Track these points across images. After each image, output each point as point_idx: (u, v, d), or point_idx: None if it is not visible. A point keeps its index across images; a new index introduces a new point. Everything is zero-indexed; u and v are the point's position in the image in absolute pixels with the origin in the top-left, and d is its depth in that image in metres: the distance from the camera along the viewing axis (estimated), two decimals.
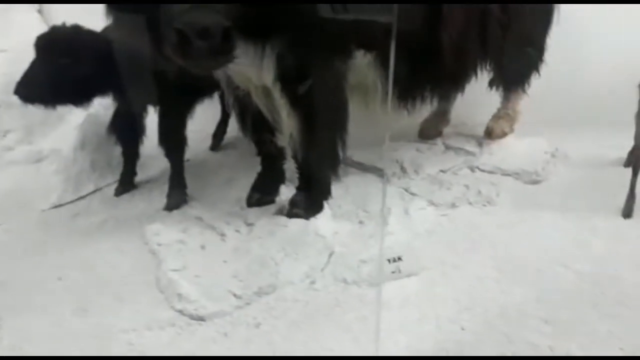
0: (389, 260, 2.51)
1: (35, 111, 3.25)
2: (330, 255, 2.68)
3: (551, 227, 2.81)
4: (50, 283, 2.74)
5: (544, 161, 3.40)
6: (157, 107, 3.28)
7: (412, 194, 3.21)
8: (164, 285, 2.57)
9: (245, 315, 2.37)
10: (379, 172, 3.49)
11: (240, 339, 2.26)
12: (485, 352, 2.08)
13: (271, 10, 2.25)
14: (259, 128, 3.01)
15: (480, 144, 3.68)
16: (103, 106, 3.67)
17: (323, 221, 2.86)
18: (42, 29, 3.33)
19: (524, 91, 3.62)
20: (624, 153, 3.21)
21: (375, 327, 2.03)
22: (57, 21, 3.09)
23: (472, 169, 3.45)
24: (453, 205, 3.08)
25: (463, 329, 2.19)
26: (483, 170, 3.43)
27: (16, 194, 3.59)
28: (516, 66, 3.41)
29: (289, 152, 2.97)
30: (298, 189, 2.98)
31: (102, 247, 3.00)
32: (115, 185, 3.64)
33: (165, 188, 3.40)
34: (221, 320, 2.36)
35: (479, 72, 3.40)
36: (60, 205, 3.52)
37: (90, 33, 2.91)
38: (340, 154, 2.86)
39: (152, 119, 3.47)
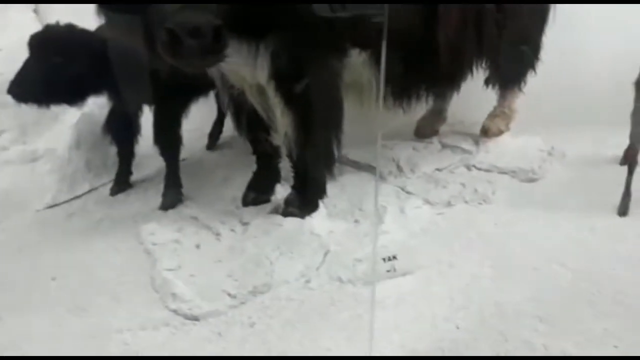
0: (384, 259, 2.50)
1: (30, 110, 3.24)
2: (326, 254, 2.67)
3: (547, 225, 2.80)
4: (45, 283, 2.74)
5: (540, 159, 3.39)
6: (152, 106, 3.26)
7: (408, 192, 3.20)
8: (159, 285, 2.57)
9: (240, 315, 2.36)
10: (374, 170, 3.47)
11: (234, 339, 2.25)
12: (481, 350, 2.06)
13: (265, 9, 2.24)
14: (254, 127, 3.01)
15: (476, 143, 3.67)
16: (98, 105, 3.67)
17: (318, 220, 2.85)
18: (38, 28, 3.31)
19: (520, 89, 3.61)
20: (620, 151, 3.20)
21: (369, 326, 2.02)
22: (53, 21, 3.08)
23: (468, 168, 3.44)
24: (449, 204, 3.07)
25: (458, 328, 2.18)
26: (479, 169, 3.42)
27: (11, 194, 3.58)
28: (512, 64, 3.40)
29: (284, 151, 2.96)
30: (293, 187, 2.97)
31: (97, 247, 3.00)
32: (110, 185, 3.64)
33: (161, 187, 3.40)
34: (216, 320, 2.35)
35: (475, 70, 3.40)
36: (55, 205, 3.52)
37: (84, 32, 2.91)
38: (336, 152, 2.86)
39: (147, 118, 3.47)
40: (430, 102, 3.48)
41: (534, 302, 2.27)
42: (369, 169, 3.49)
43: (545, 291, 2.34)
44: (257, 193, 3.17)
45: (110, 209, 3.43)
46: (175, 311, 2.42)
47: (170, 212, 3.25)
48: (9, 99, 3.00)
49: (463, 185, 3.20)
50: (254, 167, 3.24)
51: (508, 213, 2.94)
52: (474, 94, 3.68)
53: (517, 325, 2.16)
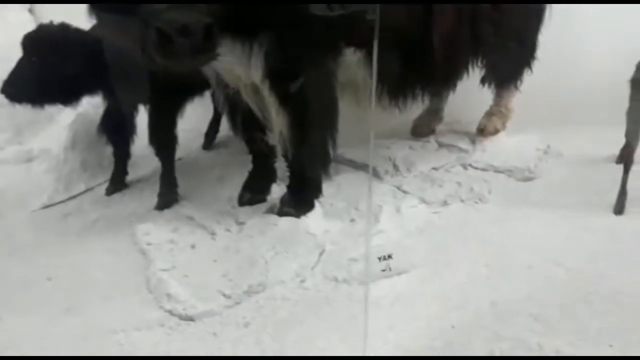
0: (379, 259, 2.50)
1: (25, 110, 3.23)
2: (321, 253, 2.67)
3: (543, 224, 2.80)
4: (40, 283, 2.73)
5: (537, 158, 3.40)
6: (147, 106, 3.26)
7: (404, 191, 3.20)
8: (154, 285, 2.56)
9: (235, 315, 2.35)
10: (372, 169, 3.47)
11: (229, 339, 2.24)
12: (475, 350, 2.06)
13: (258, 8, 2.23)
14: (249, 126, 3.00)
15: (473, 142, 3.67)
16: (93, 105, 3.66)
17: (314, 219, 2.84)
18: (33, 28, 3.30)
19: (516, 88, 3.61)
20: (616, 150, 3.21)
21: (363, 326, 2.01)
22: (49, 20, 3.07)
23: (464, 167, 3.45)
24: (445, 203, 3.07)
25: (453, 327, 2.17)
26: (475, 168, 3.42)
27: (6, 194, 3.57)
28: (508, 63, 3.40)
29: (279, 151, 2.95)
30: (289, 187, 2.97)
31: (92, 247, 2.99)
32: (106, 185, 3.63)
33: (157, 187, 3.39)
34: (210, 320, 2.34)
35: (471, 69, 3.39)
36: (51, 205, 3.51)
37: (77, 31, 2.89)
38: (331, 152, 2.85)
39: (143, 117, 3.46)
40: (427, 101, 3.47)
41: (529, 301, 2.27)
42: (366, 168, 3.48)
43: (540, 290, 2.33)
44: (253, 193, 3.17)
45: (105, 209, 3.42)
46: (170, 311, 2.41)
47: (166, 212, 3.24)
48: (3, 98, 2.99)
49: (459, 184, 3.20)
50: (250, 166, 3.24)
51: (504, 212, 2.93)
52: (471, 93, 3.68)
53: (512, 324, 2.15)
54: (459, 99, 3.79)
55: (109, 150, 3.65)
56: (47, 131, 3.91)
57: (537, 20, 3.38)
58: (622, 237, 2.63)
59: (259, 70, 2.49)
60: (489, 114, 3.70)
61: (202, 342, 2.24)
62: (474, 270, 2.50)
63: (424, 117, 3.88)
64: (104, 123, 3.49)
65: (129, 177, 3.70)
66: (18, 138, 3.88)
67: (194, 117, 3.74)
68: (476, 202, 3.06)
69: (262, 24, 2.33)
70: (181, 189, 3.43)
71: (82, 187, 3.65)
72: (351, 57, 2.71)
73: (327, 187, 3.10)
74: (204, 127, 4.17)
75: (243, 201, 3.14)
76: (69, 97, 3.10)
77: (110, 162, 3.68)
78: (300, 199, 2.89)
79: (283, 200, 2.93)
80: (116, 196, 3.58)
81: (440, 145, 3.73)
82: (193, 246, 2.82)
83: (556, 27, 3.48)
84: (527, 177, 3.27)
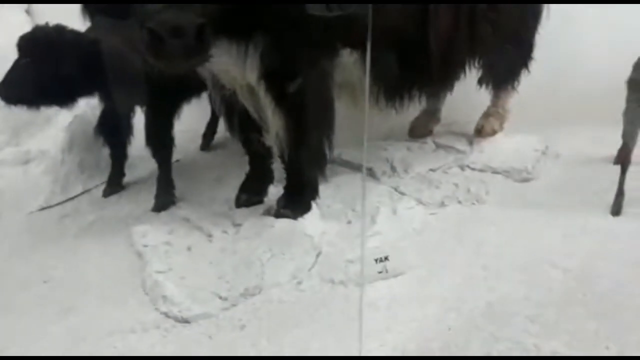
0: (376, 260, 2.49)
1: (22, 112, 3.22)
2: (318, 255, 2.66)
3: (540, 225, 2.79)
4: (36, 285, 2.73)
5: (534, 159, 3.39)
6: (144, 108, 3.25)
7: (401, 193, 3.19)
8: (150, 287, 2.55)
9: (231, 317, 2.35)
10: (369, 171, 3.47)
11: (225, 341, 2.23)
12: (471, 351, 2.05)
13: (253, 9, 2.22)
14: (246, 127, 3.00)
15: (470, 143, 3.67)
16: (91, 107, 3.66)
17: (311, 221, 2.83)
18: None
19: (513, 88, 3.61)
20: (614, 150, 3.20)
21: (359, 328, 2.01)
22: (46, 21, 3.06)
23: (462, 168, 3.44)
24: (442, 204, 3.07)
25: (450, 329, 2.17)
26: (473, 169, 3.42)
27: (3, 196, 3.56)
28: (505, 64, 3.39)
29: (275, 152, 2.94)
30: (285, 189, 2.96)
31: (89, 249, 2.99)
32: (103, 187, 3.62)
33: (154, 189, 3.38)
34: (206, 322, 2.33)
35: (468, 70, 3.39)
36: (48, 207, 3.50)
37: (73, 33, 2.88)
38: (327, 153, 2.84)
39: (140, 119, 3.45)
40: (424, 102, 3.47)
41: (526, 302, 2.26)
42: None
43: (537, 291, 2.32)
44: (250, 194, 3.16)
45: (102, 211, 3.42)
46: (165, 314, 2.40)
47: (163, 213, 3.24)
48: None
49: (456, 185, 3.20)
50: (248, 168, 3.23)
51: (501, 213, 2.93)
52: (468, 94, 3.67)
53: (508, 325, 2.15)
54: (456, 100, 3.79)
55: (106, 151, 3.65)
56: (44, 133, 3.90)
57: (534, 21, 3.37)
58: (619, 238, 2.62)
59: (255, 71, 2.48)
60: (487, 115, 3.70)
61: (197, 344, 2.24)
62: (470, 271, 2.50)
63: (422, 118, 3.88)
64: (100, 125, 3.49)
65: (126, 179, 3.70)
66: (15, 140, 3.87)
67: (191, 119, 3.74)
68: (473, 204, 3.05)
69: (258, 25, 2.32)
70: (178, 190, 3.42)
71: (79, 189, 3.65)
72: (347, 58, 2.71)
73: (324, 188, 3.09)
74: (201, 128, 4.17)
75: (240, 203, 3.14)
76: (64, 98, 3.09)
77: (107, 164, 3.68)
78: (297, 201, 2.88)
79: (280, 201, 2.92)
80: (113, 198, 3.58)
81: (438, 146, 3.72)
82: (189, 248, 2.82)
83: (553, 27, 3.48)
84: (525, 178, 3.26)
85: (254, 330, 2.27)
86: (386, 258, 2.50)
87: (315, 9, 2.23)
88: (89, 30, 2.84)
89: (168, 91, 3.06)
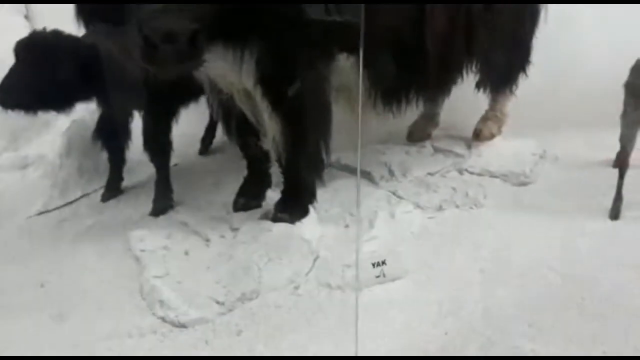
0: (373, 265, 2.49)
1: (20, 117, 3.21)
2: (315, 259, 2.66)
3: (538, 229, 2.80)
4: (33, 289, 2.71)
5: (533, 163, 3.40)
6: (142, 112, 3.25)
7: (399, 197, 3.19)
8: (147, 292, 2.54)
9: (228, 322, 2.34)
10: (368, 175, 3.47)
11: (221, 346, 2.22)
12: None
13: (249, 14, 2.22)
14: (243, 132, 2.99)
15: (468, 146, 3.67)
16: (89, 111, 3.66)
17: (308, 225, 2.82)
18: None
19: (511, 92, 3.61)
20: (612, 154, 3.20)
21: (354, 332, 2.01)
22: (47, 26, 3.06)
23: (460, 172, 3.45)
24: (440, 208, 3.07)
25: (446, 334, 2.16)
26: (471, 173, 3.42)
27: (1, 201, 3.56)
28: (503, 67, 3.39)
29: (273, 156, 2.94)
30: (283, 193, 2.95)
31: (86, 253, 2.97)
32: (102, 191, 3.62)
33: (152, 193, 3.38)
34: (203, 327, 2.32)
35: (466, 74, 3.39)
36: (47, 212, 3.49)
37: (70, 38, 2.88)
38: (325, 157, 2.83)
39: (138, 123, 3.45)
40: (422, 106, 3.47)
41: (522, 306, 2.26)
42: (362, 173, 3.48)
43: (534, 295, 2.33)
44: (248, 198, 3.15)
45: (101, 215, 3.41)
46: (162, 318, 2.39)
47: (161, 218, 3.23)
48: None
49: (454, 189, 3.20)
50: (245, 172, 3.23)
51: (499, 217, 2.93)
52: (467, 98, 3.67)
53: (505, 330, 2.15)
54: (454, 104, 3.79)
55: (104, 156, 3.64)
56: (42, 138, 3.89)
57: (531, 25, 3.37)
58: (617, 242, 2.63)
59: (251, 76, 2.48)
60: (485, 119, 3.70)
61: (194, 349, 2.23)
62: (468, 275, 2.50)
63: (420, 122, 3.88)
64: (98, 129, 3.48)
65: (125, 183, 3.69)
66: (13, 144, 3.86)
67: (190, 123, 3.73)
68: (471, 208, 3.05)
69: (253, 30, 2.32)
70: (177, 194, 3.41)
71: (77, 194, 3.64)
72: (344, 62, 2.71)
73: (322, 192, 3.09)
74: (199, 132, 4.17)
75: (238, 207, 3.13)
76: (62, 103, 3.08)
77: (106, 168, 3.67)
78: (295, 205, 2.87)
79: (277, 206, 2.92)
80: (111, 202, 3.57)
81: (436, 150, 3.72)
82: (187, 252, 2.81)
83: (552, 29, 3.48)
84: (523, 182, 3.27)
85: (250, 335, 2.26)
86: (383, 262, 2.50)
87: (314, 13, 2.23)
88: (86, 35, 2.84)
89: (166, 96, 3.05)
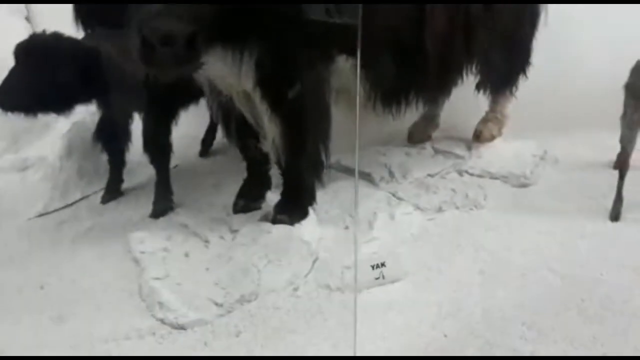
0: (372, 267, 2.49)
1: (20, 119, 3.22)
2: (314, 261, 2.65)
3: (538, 230, 2.79)
4: (32, 291, 2.71)
5: (533, 164, 3.39)
6: (142, 114, 3.25)
7: (399, 198, 3.19)
8: (146, 294, 2.54)
9: (227, 324, 2.34)
10: (367, 177, 3.47)
11: (220, 348, 2.22)
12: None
13: (248, 16, 2.22)
14: (243, 133, 2.99)
15: (469, 148, 3.67)
16: (89, 113, 3.66)
17: (308, 227, 2.82)
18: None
19: (511, 94, 3.60)
20: (613, 155, 3.20)
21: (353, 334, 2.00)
22: (48, 29, 3.06)
23: (460, 173, 3.44)
24: (440, 210, 3.06)
25: (445, 336, 2.16)
26: (471, 174, 3.42)
27: (1, 202, 3.56)
28: (503, 69, 3.39)
29: (272, 158, 2.93)
30: (282, 194, 2.95)
31: (86, 255, 2.97)
32: (102, 193, 3.62)
33: (152, 195, 3.38)
34: (202, 329, 2.32)
35: (466, 75, 3.38)
36: (47, 214, 3.49)
37: (70, 40, 2.88)
38: (324, 159, 2.83)
39: (139, 125, 3.45)
40: (422, 107, 3.46)
41: (522, 308, 2.26)
42: (362, 175, 3.48)
43: (534, 297, 2.33)
44: (248, 200, 3.15)
45: (100, 217, 3.41)
46: (161, 320, 2.39)
47: (161, 219, 3.23)
48: None
49: (454, 190, 3.20)
50: (245, 174, 3.23)
51: (499, 219, 2.93)
52: (467, 99, 3.67)
53: (505, 332, 2.15)
54: (455, 105, 3.78)
55: (104, 158, 3.64)
56: (42, 140, 3.90)
57: (531, 26, 3.37)
58: (617, 244, 2.63)
59: (250, 78, 2.48)
60: (485, 120, 3.70)
61: (193, 351, 2.23)
62: (467, 277, 2.49)
63: (420, 124, 3.88)
64: (98, 131, 3.48)
65: (125, 185, 3.69)
66: (13, 146, 3.87)
67: (190, 125, 3.74)
68: (471, 209, 3.05)
69: (252, 32, 2.32)
70: (177, 196, 3.41)
71: (77, 195, 3.64)
72: (344, 63, 2.70)
73: (322, 194, 3.09)
74: (200, 134, 4.17)
75: (237, 208, 3.13)
76: (62, 105, 3.07)
77: (106, 170, 3.67)
78: (294, 207, 2.87)
79: (277, 207, 2.91)
80: (112, 204, 3.57)
81: (436, 151, 3.72)
82: (186, 254, 2.80)
83: (552, 30, 3.48)
84: (523, 183, 3.26)
85: (249, 336, 2.26)
86: (383, 264, 2.49)
87: (313, 14, 2.23)
88: (86, 37, 2.84)
89: (165, 98, 3.05)
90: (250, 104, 2.74)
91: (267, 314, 2.37)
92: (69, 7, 2.42)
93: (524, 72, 3.50)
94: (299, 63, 2.50)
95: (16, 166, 3.77)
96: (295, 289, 2.51)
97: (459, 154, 3.61)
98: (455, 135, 3.87)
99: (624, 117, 2.80)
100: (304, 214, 2.86)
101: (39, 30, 3.08)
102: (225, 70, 2.45)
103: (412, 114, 3.46)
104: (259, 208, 3.14)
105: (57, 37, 2.91)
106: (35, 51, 2.86)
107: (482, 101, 3.68)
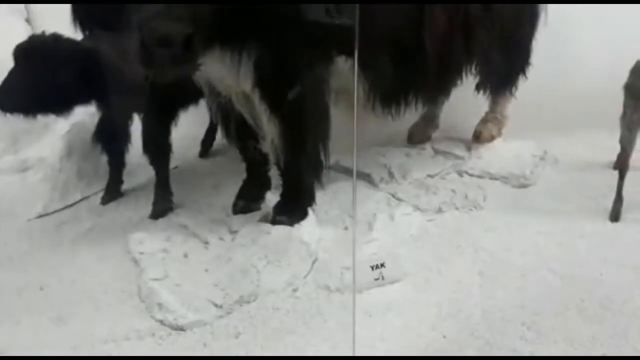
0: (372, 267, 2.48)
1: (20, 120, 3.22)
2: (314, 262, 2.65)
3: (538, 231, 2.80)
4: (32, 292, 2.71)
5: (533, 165, 3.40)
6: (141, 115, 3.26)
7: (399, 199, 3.19)
8: (145, 295, 2.53)
9: (226, 325, 2.33)
10: (367, 177, 3.47)
11: (219, 349, 2.22)
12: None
13: (246, 16, 2.22)
14: (242, 134, 2.99)
15: (468, 148, 3.66)
16: (89, 114, 3.66)
17: (307, 228, 2.81)
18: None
19: (511, 94, 3.60)
20: (613, 155, 3.19)
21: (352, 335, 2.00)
22: (47, 30, 3.06)
23: (460, 174, 3.44)
24: (439, 210, 3.06)
25: (445, 337, 2.16)
26: (471, 175, 3.42)
27: (1, 203, 3.56)
28: (502, 69, 3.39)
29: (271, 159, 2.93)
30: (282, 195, 2.95)
31: (85, 256, 2.97)
32: (102, 194, 3.62)
33: (152, 196, 3.38)
34: (201, 330, 2.32)
35: (465, 76, 3.38)
36: (46, 215, 3.49)
37: (69, 41, 2.88)
38: (324, 160, 2.83)
39: (138, 126, 3.45)
40: (422, 108, 3.46)
41: (522, 309, 2.26)
42: (362, 175, 3.48)
43: (534, 297, 2.33)
44: (247, 201, 3.15)
45: (100, 218, 3.40)
46: (161, 321, 2.38)
47: (160, 220, 3.22)
48: None
49: (454, 191, 3.20)
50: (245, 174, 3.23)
51: (498, 219, 2.93)
52: (467, 100, 3.67)
53: (504, 333, 2.15)
54: (454, 106, 3.78)
55: (104, 159, 3.64)
56: (42, 141, 3.89)
57: (531, 26, 3.37)
58: (617, 244, 2.63)
59: (249, 79, 2.48)
60: (485, 121, 3.70)
61: (192, 352, 2.23)
62: (467, 278, 2.49)
63: (420, 124, 3.88)
64: (98, 132, 3.48)
65: (125, 186, 3.69)
66: (13, 148, 3.87)
67: (190, 126, 3.73)
68: (471, 210, 3.05)
69: (250, 32, 2.32)
70: (176, 197, 3.41)
71: (77, 196, 3.63)
72: (343, 64, 2.70)
73: (322, 195, 3.09)
74: (200, 135, 4.17)
75: (237, 209, 3.13)
76: (61, 107, 3.07)
77: (105, 171, 3.67)
78: (293, 207, 2.87)
79: (276, 208, 2.91)
80: (111, 205, 3.56)
81: (436, 152, 3.72)
82: (186, 255, 2.80)
83: (551, 32, 3.48)
84: (523, 184, 3.26)
85: (248, 337, 2.26)
86: (382, 265, 2.49)
87: (312, 15, 2.23)
88: (85, 38, 2.84)
89: (165, 98, 3.05)
90: (249, 104, 2.74)
91: (266, 315, 2.37)
92: (68, 8, 2.43)
93: (524, 72, 3.50)
94: (298, 64, 2.50)
95: (16, 167, 3.76)
96: (295, 290, 2.51)
97: (458, 154, 3.61)
98: (455, 135, 3.87)
99: (624, 117, 2.80)
100: (303, 215, 2.85)
101: (38, 31, 3.08)
102: (224, 71, 2.45)
103: (411, 115, 3.46)
104: (259, 209, 3.14)
105: (56, 38, 2.91)
106: (35, 52, 2.86)
107: (482, 102, 3.68)
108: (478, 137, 3.65)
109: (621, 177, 2.81)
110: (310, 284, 2.54)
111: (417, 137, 3.85)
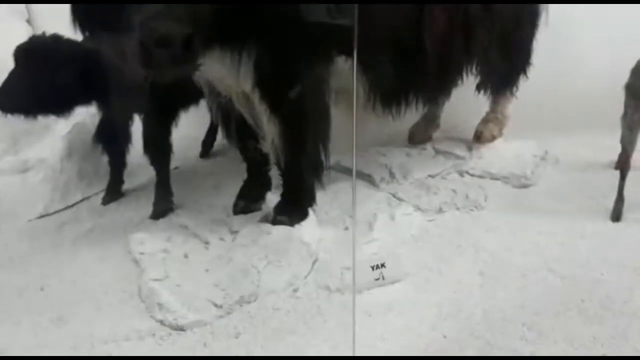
0: (372, 267, 2.48)
1: (20, 121, 3.22)
2: (314, 262, 2.65)
3: (539, 231, 2.79)
4: (33, 292, 2.71)
5: (534, 165, 3.39)
6: (142, 115, 3.26)
7: (400, 199, 3.19)
8: (145, 295, 2.53)
9: (226, 325, 2.33)
10: (368, 177, 3.47)
11: (220, 349, 2.22)
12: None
13: (246, 16, 2.22)
14: (242, 134, 2.99)
15: (469, 149, 3.66)
16: (90, 115, 3.66)
17: (308, 228, 2.81)
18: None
19: (512, 94, 3.60)
20: (614, 155, 3.19)
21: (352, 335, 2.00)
22: (48, 31, 3.06)
23: (461, 174, 3.44)
24: (440, 210, 3.06)
25: (445, 337, 2.15)
26: (472, 175, 3.42)
27: (2, 204, 3.56)
28: (503, 69, 3.38)
29: (272, 159, 2.93)
30: (282, 195, 2.95)
31: (86, 257, 2.97)
32: (102, 194, 3.62)
33: (152, 196, 3.38)
34: (201, 330, 2.32)
35: (466, 76, 3.38)
36: (47, 215, 3.50)
37: (70, 42, 2.88)
38: (324, 160, 2.83)
39: (139, 126, 3.45)
40: (422, 108, 3.46)
41: (522, 309, 2.26)
42: (362, 175, 3.48)
43: (534, 298, 2.32)
44: (248, 201, 3.15)
45: (101, 218, 3.41)
46: (161, 321, 2.38)
47: (161, 220, 3.23)
48: None
49: (454, 191, 3.19)
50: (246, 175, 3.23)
51: (499, 219, 2.92)
52: (467, 100, 3.67)
53: (505, 333, 2.14)
54: (455, 106, 3.78)
55: (105, 159, 3.65)
56: (43, 141, 3.88)
57: (531, 26, 3.36)
58: (618, 244, 2.62)
59: (249, 79, 2.48)
60: (486, 121, 3.70)
61: (192, 352, 2.23)
62: (467, 278, 2.49)
63: (421, 124, 3.88)
64: (99, 133, 3.49)
65: (126, 186, 3.69)
66: (14, 148, 3.87)
67: (191, 126, 3.74)
68: (472, 210, 3.05)
69: (250, 32, 2.32)
70: (177, 197, 3.41)
71: (78, 197, 3.64)
72: (343, 64, 2.70)
73: (322, 195, 3.08)
74: (200, 135, 4.17)
75: (237, 209, 3.13)
76: (61, 107, 3.07)
77: (106, 171, 3.68)
78: (294, 208, 2.87)
79: (276, 208, 2.91)
80: (112, 205, 3.57)
81: (437, 152, 3.72)
82: (186, 255, 2.80)
83: (552, 32, 3.47)
84: (524, 184, 3.26)
85: (249, 338, 2.26)
86: (383, 265, 2.49)
87: (311, 15, 2.23)
88: (85, 39, 2.84)
89: (165, 99, 3.05)
90: (249, 104, 2.73)
91: (266, 315, 2.37)
92: (68, 9, 2.42)
93: (525, 72, 3.50)
94: (298, 64, 2.50)
95: (16, 168, 3.76)
96: (295, 290, 2.51)
97: (459, 154, 3.61)
98: (455, 135, 3.88)
99: (625, 117, 2.80)
100: (303, 215, 2.85)
101: (38, 32, 3.08)
102: (224, 71, 2.45)
103: (412, 115, 3.46)
104: (259, 209, 3.14)
105: (56, 39, 2.90)
106: (35, 53, 2.86)
107: (483, 102, 3.68)
108: (479, 137, 3.65)
109: (622, 177, 2.80)
110: (310, 284, 2.54)
111: (418, 137, 3.85)
